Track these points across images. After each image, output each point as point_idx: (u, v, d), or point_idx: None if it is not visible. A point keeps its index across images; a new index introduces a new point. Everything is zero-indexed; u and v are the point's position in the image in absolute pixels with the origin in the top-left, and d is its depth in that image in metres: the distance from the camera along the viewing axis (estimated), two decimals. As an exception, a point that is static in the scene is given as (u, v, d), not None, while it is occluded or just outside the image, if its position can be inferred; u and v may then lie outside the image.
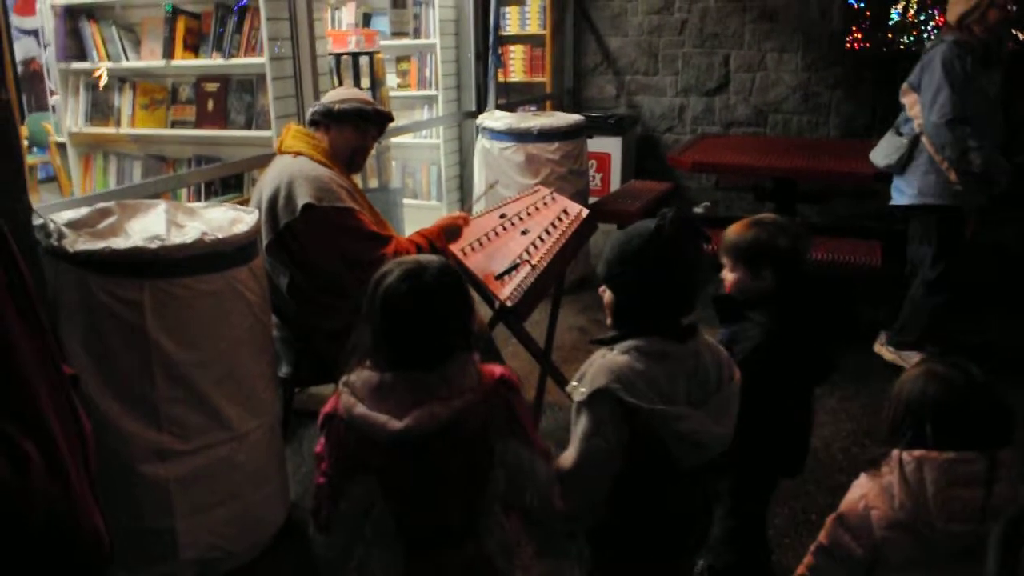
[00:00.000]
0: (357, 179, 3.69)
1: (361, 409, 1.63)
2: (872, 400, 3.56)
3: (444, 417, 1.61)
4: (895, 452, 1.59)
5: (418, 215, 5.49)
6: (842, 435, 3.32)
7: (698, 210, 6.32)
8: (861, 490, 1.64)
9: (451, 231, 2.91)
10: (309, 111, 2.86)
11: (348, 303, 2.65)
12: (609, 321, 1.81)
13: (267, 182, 2.73)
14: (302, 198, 2.59)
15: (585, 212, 3.02)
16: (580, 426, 1.72)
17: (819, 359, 2.19)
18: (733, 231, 2.19)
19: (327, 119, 2.79)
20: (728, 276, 2.20)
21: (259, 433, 2.50)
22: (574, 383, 1.74)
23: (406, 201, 5.51)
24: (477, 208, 3.45)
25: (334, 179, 2.68)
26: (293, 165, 2.69)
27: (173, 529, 2.34)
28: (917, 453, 1.56)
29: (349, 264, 2.64)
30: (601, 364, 1.71)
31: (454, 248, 3.04)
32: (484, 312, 3.14)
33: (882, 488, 1.60)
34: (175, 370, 2.27)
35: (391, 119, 2.91)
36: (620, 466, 1.72)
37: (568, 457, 1.74)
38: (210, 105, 4.12)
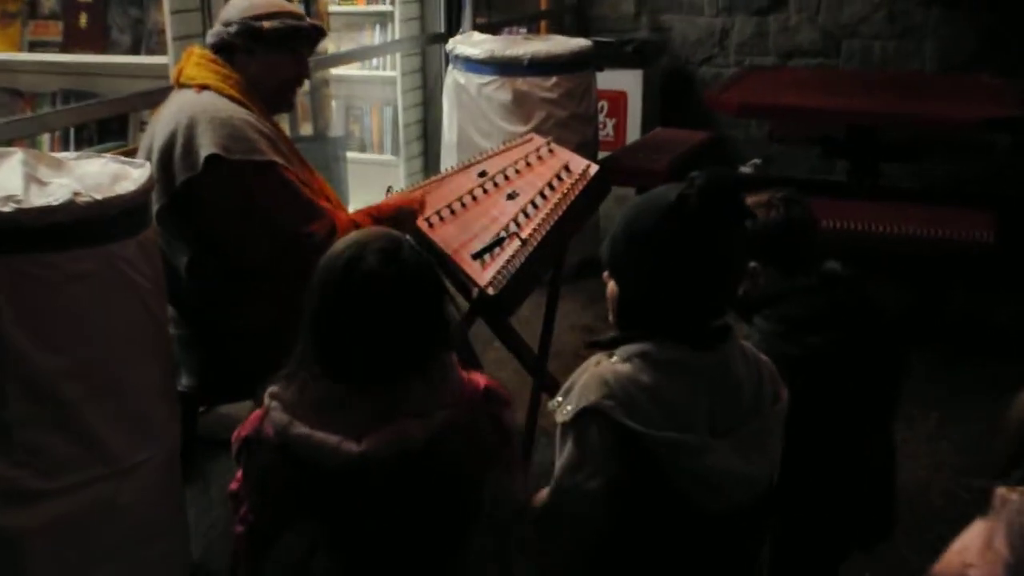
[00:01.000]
0: (283, 123, 3.71)
1: (301, 429, 1.64)
2: (985, 424, 3.58)
3: (418, 438, 1.62)
4: (999, 491, 1.60)
5: (367, 174, 5.49)
6: (943, 472, 3.34)
7: (745, 170, 6.35)
8: (962, 542, 1.65)
9: (404, 215, 2.91)
10: (213, 30, 2.86)
11: (271, 291, 2.65)
12: (612, 318, 1.83)
13: (160, 125, 2.73)
14: (206, 147, 2.60)
15: (594, 168, 3.03)
16: (564, 454, 1.73)
17: (872, 380, 2.21)
18: None
19: (251, 42, 2.78)
20: None
21: (150, 468, 2.48)
22: (558, 398, 1.76)
23: (351, 155, 5.52)
24: (448, 164, 3.44)
25: (251, 122, 2.68)
26: (195, 102, 2.70)
27: (29, 600, 2.33)
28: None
29: (270, 239, 2.64)
30: (594, 374, 1.72)
31: (419, 219, 3.05)
32: (457, 304, 3.14)
33: (984, 539, 1.61)
34: (34, 380, 2.25)
35: (324, 33, 2.95)
36: (612, 511, 1.72)
37: (542, 496, 1.76)
38: (83, 20, 4.10)
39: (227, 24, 2.82)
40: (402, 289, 1.67)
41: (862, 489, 2.26)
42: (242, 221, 2.65)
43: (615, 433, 1.66)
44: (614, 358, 1.74)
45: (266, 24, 2.77)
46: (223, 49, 2.82)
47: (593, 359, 1.77)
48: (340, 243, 1.74)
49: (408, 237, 1.82)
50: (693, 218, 1.68)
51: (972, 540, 1.63)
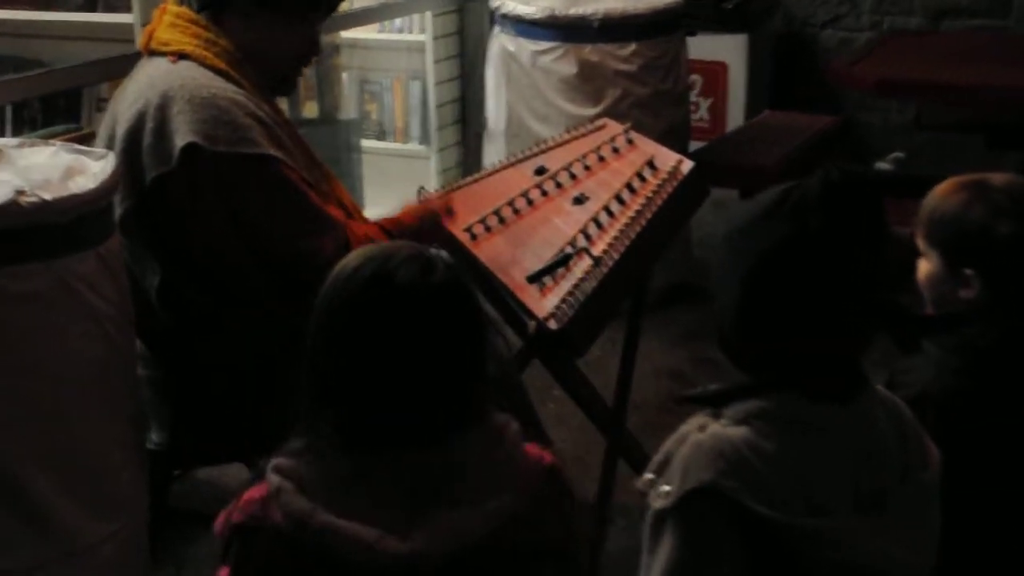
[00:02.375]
0: (282, 104, 3.73)
1: (327, 517, 1.63)
2: None
3: (477, 534, 1.62)
4: None
5: (388, 169, 5.54)
6: None
7: (883, 165, 6.33)
8: None
9: (427, 227, 2.93)
10: None
11: (265, 323, 2.68)
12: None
13: (125, 104, 2.75)
14: (182, 134, 2.60)
15: (687, 165, 3.04)
16: (662, 552, 1.72)
17: None
18: (935, 194, 2.25)
19: (250, 3, 2.78)
20: (922, 266, 2.26)
21: (111, 548, 2.51)
22: (649, 475, 1.75)
23: (367, 144, 5.56)
24: (494, 157, 3.44)
25: (241, 102, 2.68)
26: (170, 75, 2.71)
27: None
28: None
29: (262, 256, 2.66)
30: (700, 444, 1.71)
31: (454, 226, 3.07)
32: (509, 339, 3.16)
33: None
34: (-36, 436, 2.29)
35: None
36: None
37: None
38: (23, -32, 4.16)
39: None
40: (443, 309, 1.69)
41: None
42: (227, 232, 2.65)
43: (737, 521, 1.66)
44: (723, 419, 1.74)
45: None
46: (211, 6, 2.82)
47: (694, 421, 1.76)
48: (352, 258, 1.75)
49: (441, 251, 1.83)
50: (820, 232, 1.68)
51: None
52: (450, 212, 3.03)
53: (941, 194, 2.23)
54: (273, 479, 1.68)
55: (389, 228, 2.81)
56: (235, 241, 2.67)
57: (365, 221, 2.92)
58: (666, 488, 1.69)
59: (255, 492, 1.70)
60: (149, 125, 2.64)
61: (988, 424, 2.07)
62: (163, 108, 2.64)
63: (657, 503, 1.70)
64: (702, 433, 1.72)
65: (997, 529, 2.09)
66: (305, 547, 1.63)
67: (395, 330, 1.67)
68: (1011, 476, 2.13)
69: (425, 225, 2.90)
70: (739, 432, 1.70)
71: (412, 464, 1.65)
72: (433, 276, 1.69)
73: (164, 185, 2.63)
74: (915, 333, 2.21)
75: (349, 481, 1.65)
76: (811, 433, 1.71)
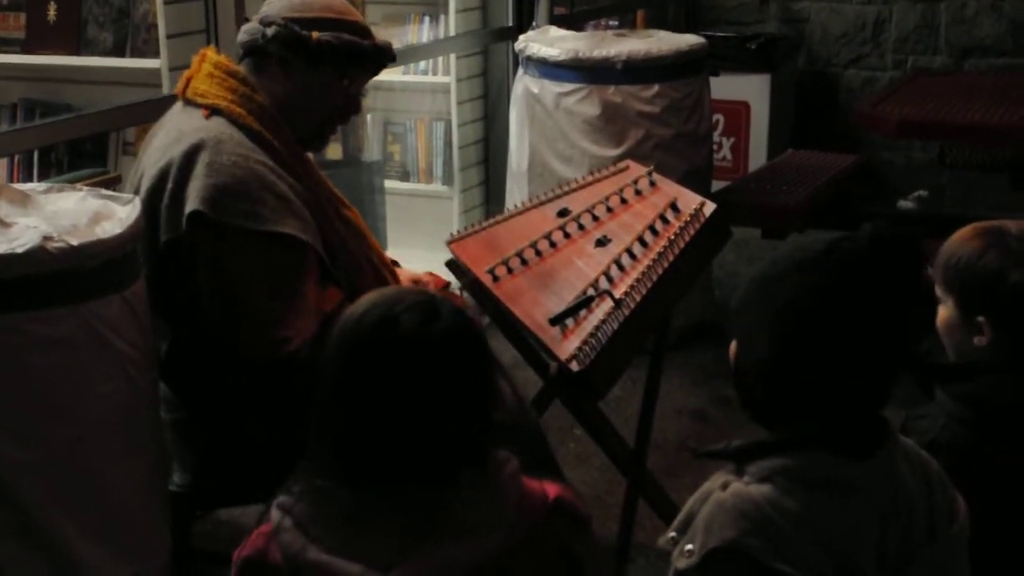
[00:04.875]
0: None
1: (316, 555, 1.66)
2: None
3: (464, 569, 1.63)
4: None
5: (411, 209, 5.55)
6: None
7: (906, 204, 6.32)
8: None
9: None
10: (247, 27, 2.85)
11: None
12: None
13: (152, 157, 2.74)
14: (192, 200, 2.59)
15: (710, 207, 3.04)
16: None
17: None
18: (953, 240, 2.25)
19: (290, 52, 2.76)
20: (940, 313, 2.26)
21: (134, 589, 2.52)
22: (672, 533, 1.75)
23: (390, 184, 5.58)
24: (517, 198, 3.45)
25: (258, 171, 2.66)
26: (200, 132, 2.69)
27: None
28: None
29: (254, 343, 2.64)
30: (723, 503, 1.70)
31: (476, 267, 3.08)
32: (530, 380, 3.16)
33: None
34: (-9, 476, 2.30)
35: (395, 58, 2.94)
36: None
37: None
38: (51, 12, 4.18)
39: (265, 23, 2.78)
40: (446, 356, 1.70)
41: None
42: (218, 307, 2.64)
43: None
44: (746, 477, 1.72)
45: (315, 34, 2.73)
46: (253, 54, 2.83)
47: (716, 479, 1.75)
48: (360, 304, 1.76)
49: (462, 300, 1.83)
50: (849, 270, 1.69)
51: None
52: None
53: (958, 240, 2.23)
54: (275, 515, 1.71)
55: None
56: (226, 317, 2.66)
57: (383, 282, 2.90)
58: (689, 547, 1.69)
59: (262, 529, 1.73)
60: (169, 187, 2.64)
61: (994, 477, 2.06)
62: (184, 170, 2.63)
63: (680, 563, 1.70)
64: (724, 492, 1.71)
65: None
66: None
67: (398, 376, 1.69)
68: (1015, 531, 2.12)
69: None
70: (762, 490, 1.69)
71: (406, 502, 1.67)
72: (437, 323, 1.70)
73: (175, 250, 2.64)
74: (930, 380, 2.20)
75: (345, 518, 1.68)
76: (836, 491, 1.70)
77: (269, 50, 2.77)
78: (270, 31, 2.75)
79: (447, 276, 3.20)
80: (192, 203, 2.58)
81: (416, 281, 3.04)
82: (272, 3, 2.84)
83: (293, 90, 2.81)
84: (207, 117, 2.73)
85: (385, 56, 2.88)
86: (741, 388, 1.82)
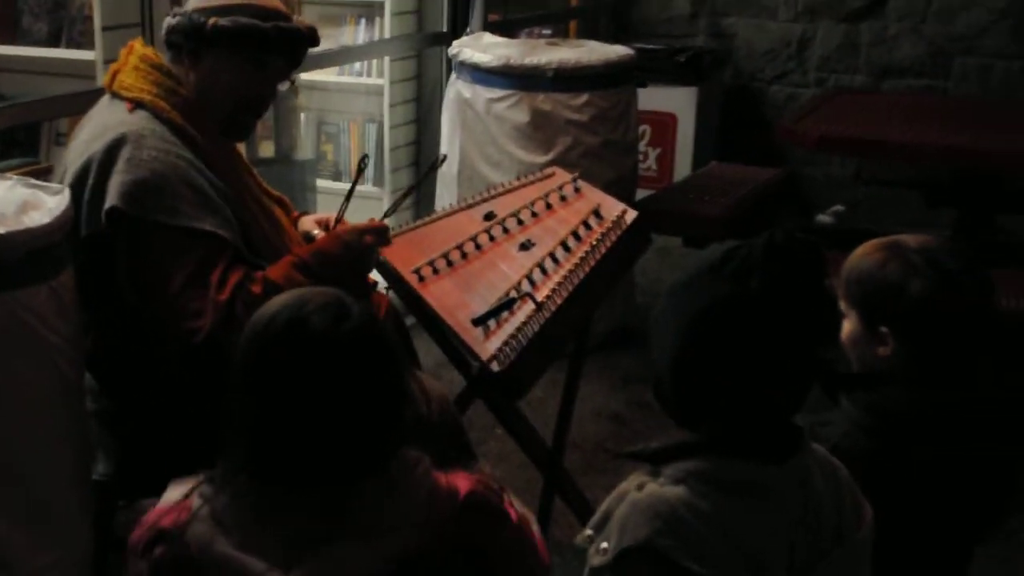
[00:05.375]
0: (240, 145, 3.70)
1: (223, 548, 1.67)
2: None
3: (366, 570, 1.64)
4: None
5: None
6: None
7: (824, 218, 6.39)
8: None
9: (354, 247, 2.82)
10: (165, 23, 2.83)
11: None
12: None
13: (75, 152, 2.73)
14: (112, 195, 2.58)
15: (631, 215, 3.07)
16: None
17: (967, 492, 2.23)
18: (855, 256, 2.29)
19: (193, 41, 2.75)
20: (844, 326, 2.29)
21: (56, 575, 2.50)
22: (588, 531, 1.76)
23: (322, 184, 5.57)
24: (446, 201, 3.45)
25: (179, 166, 2.65)
26: (121, 126, 2.68)
27: None
28: None
29: (162, 328, 2.63)
30: (637, 502, 1.72)
31: (403, 267, 3.09)
32: (455, 380, 3.18)
33: None
34: (-90, 462, 2.29)
35: (315, 40, 2.89)
36: None
37: None
38: (-11, 4, 4.15)
39: (173, 15, 2.79)
40: (354, 357, 1.70)
41: None
42: (143, 303, 2.63)
43: None
44: (661, 478, 1.74)
45: (211, 20, 2.71)
46: (170, 47, 2.80)
47: (632, 480, 1.76)
48: (271, 305, 1.77)
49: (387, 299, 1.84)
50: (752, 277, 1.70)
51: None
52: (383, 239, 2.92)
53: (860, 255, 2.27)
54: (195, 502, 1.72)
55: (313, 264, 2.69)
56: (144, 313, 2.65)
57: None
58: (604, 545, 1.70)
59: (186, 503, 1.74)
60: (90, 182, 2.62)
61: (893, 484, 2.09)
62: (104, 165, 2.61)
63: (595, 560, 1.71)
64: (640, 492, 1.72)
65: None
66: (206, 572, 1.67)
67: (306, 376, 1.69)
68: (911, 536, 2.15)
69: (353, 250, 2.79)
70: (676, 492, 1.70)
71: (311, 501, 1.67)
72: (345, 324, 1.71)
73: (95, 244, 2.62)
74: (836, 388, 2.24)
75: (254, 513, 1.69)
76: (748, 494, 1.72)
77: (174, 40, 2.76)
78: (180, 19, 2.74)
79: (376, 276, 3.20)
80: (111, 199, 2.56)
81: (319, 222, 3.07)
82: None
83: (202, 79, 2.78)
84: (131, 111, 2.71)
85: (294, 37, 2.79)
86: (658, 393, 1.84)
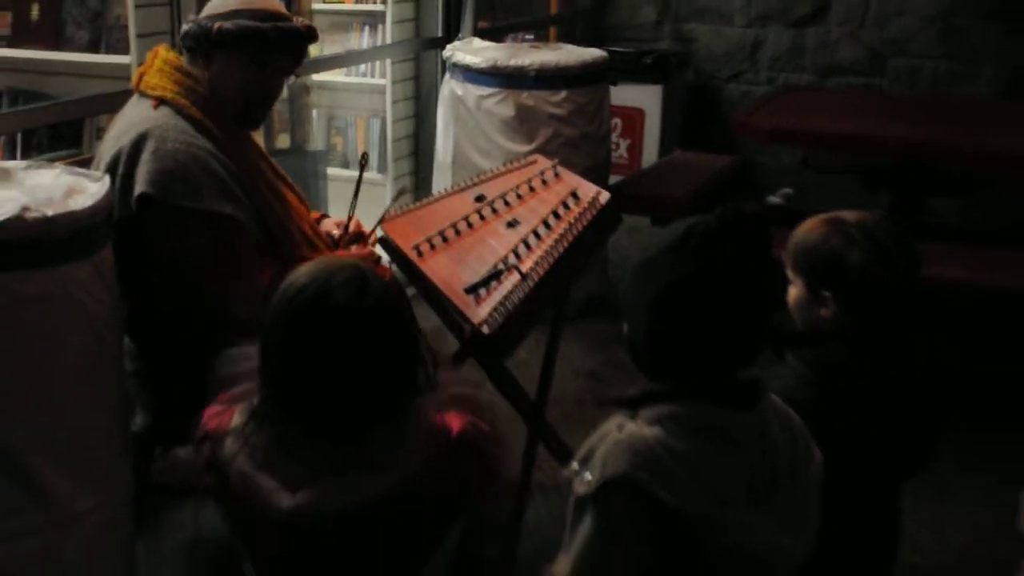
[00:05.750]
0: (259, 138, 3.70)
1: (244, 466, 1.70)
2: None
3: (358, 501, 1.66)
4: None
5: (350, 194, 5.50)
6: (982, 553, 3.38)
7: (775, 200, 6.38)
8: None
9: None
10: (182, 30, 2.85)
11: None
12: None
13: (107, 144, 2.74)
14: (140, 183, 2.60)
15: (605, 196, 3.07)
16: (582, 531, 1.74)
17: (897, 437, 2.25)
18: (800, 230, 2.31)
19: (203, 45, 2.77)
20: (791, 291, 2.30)
21: (99, 516, 2.50)
22: (575, 466, 1.77)
23: (332, 171, 5.56)
24: (441, 185, 3.46)
25: (199, 156, 2.66)
26: (147, 122, 2.70)
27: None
28: None
29: (202, 309, 2.66)
30: (618, 440, 1.74)
31: (404, 243, 3.09)
32: (448, 343, 3.17)
33: None
34: (-30, 416, 2.28)
35: (313, 37, 2.88)
36: None
37: (561, 572, 1.77)
38: (35, 12, 4.13)
39: (187, 23, 2.82)
40: (374, 328, 1.71)
41: (869, 547, 2.29)
42: (167, 279, 2.66)
43: (647, 508, 1.68)
44: (639, 420, 1.75)
45: (219, 24, 2.72)
46: (188, 51, 2.82)
47: (613, 421, 1.78)
48: (300, 274, 1.76)
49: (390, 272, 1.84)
50: (717, 256, 1.71)
51: None
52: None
53: (805, 229, 2.28)
54: (236, 418, 1.75)
55: None
56: (176, 290, 2.68)
57: (313, 248, 2.92)
58: (588, 477, 1.72)
59: (229, 413, 1.80)
60: (120, 171, 2.64)
61: (832, 430, 2.09)
62: (133, 156, 2.63)
63: (580, 489, 1.73)
64: (620, 432, 1.74)
65: (841, 522, 2.12)
66: (230, 482, 1.71)
67: (329, 345, 1.70)
68: (848, 474, 2.15)
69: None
70: (652, 432, 1.72)
71: (329, 440, 1.69)
72: (367, 298, 1.70)
73: (126, 227, 2.63)
74: (783, 346, 2.25)
75: (275, 443, 1.71)
76: (715, 436, 1.73)
77: (189, 45, 2.78)
78: (192, 26, 2.77)
79: (380, 252, 3.20)
80: (140, 186, 2.58)
81: (337, 224, 3.12)
82: (210, 3, 2.85)
83: (214, 77, 2.79)
84: (155, 107, 2.73)
85: (292, 36, 2.79)
86: (633, 354, 1.85)
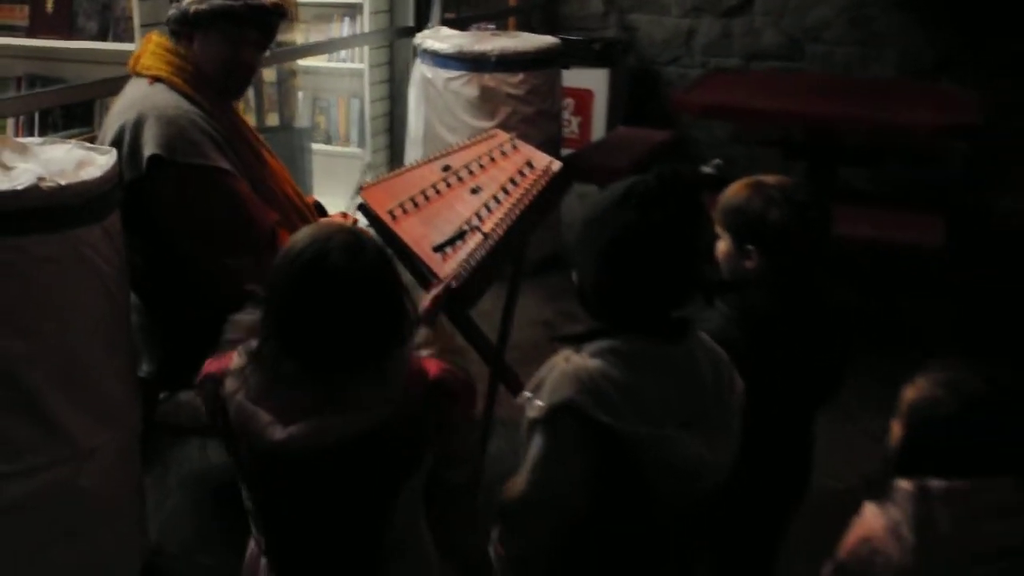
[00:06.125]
0: (250, 115, 3.67)
1: (243, 399, 1.70)
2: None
3: (343, 434, 1.66)
4: (903, 484, 1.68)
5: (332, 166, 5.49)
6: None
7: (707, 169, 6.41)
8: (864, 530, 1.73)
9: None
10: (167, 16, 2.84)
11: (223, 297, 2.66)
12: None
13: (111, 119, 2.73)
14: (149, 146, 2.59)
15: (556, 165, 3.06)
16: (534, 450, 1.76)
17: (810, 371, 2.28)
18: (727, 192, 2.32)
19: (184, 26, 2.77)
20: (719, 246, 2.31)
21: (110, 451, 2.51)
22: (528, 393, 1.79)
23: (316, 147, 5.52)
24: (413, 157, 3.45)
25: (197, 121, 2.67)
26: (145, 97, 2.69)
27: (-10, 578, 2.35)
28: (932, 484, 1.66)
29: (219, 252, 2.64)
30: (565, 371, 1.75)
31: (379, 208, 3.07)
32: (419, 297, 3.18)
33: (889, 527, 1.69)
34: (-4, 363, 2.27)
35: (281, 13, 2.86)
36: (587, 501, 1.77)
37: (516, 488, 1.79)
38: (49, 5, 4.09)
39: (172, 9, 2.81)
40: (364, 286, 1.69)
41: (786, 467, 2.34)
42: (185, 229, 2.64)
43: (589, 428, 1.70)
44: (583, 353, 1.76)
45: (194, 7, 2.74)
46: (174, 35, 2.81)
47: (561, 355, 1.79)
48: (301, 237, 1.75)
49: (372, 231, 1.84)
50: (650, 209, 1.71)
51: (874, 528, 1.71)
52: None
53: (732, 191, 2.29)
54: (236, 359, 1.74)
55: None
56: (188, 236, 2.67)
57: (304, 221, 2.90)
58: (539, 403, 1.74)
59: (228, 356, 1.78)
60: (127, 139, 2.64)
61: (755, 364, 2.11)
62: (137, 126, 2.63)
63: (531, 413, 1.75)
64: (567, 364, 1.75)
65: (764, 445, 2.16)
66: (230, 416, 1.71)
67: (325, 302, 1.68)
68: (768, 401, 2.17)
69: None
70: (594, 363, 1.73)
71: (318, 381, 1.69)
72: (360, 260, 1.69)
73: (137, 187, 2.62)
74: (712, 293, 2.26)
75: (270, 381, 1.70)
76: (647, 365, 1.75)
77: (173, 28, 2.79)
78: (171, 13, 2.79)
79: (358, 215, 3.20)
80: (150, 148, 2.58)
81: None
82: None
83: (197, 55, 2.79)
84: (151, 84, 2.74)
85: (262, 11, 2.79)
86: (582, 300, 1.85)
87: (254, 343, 1.76)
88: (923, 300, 4.60)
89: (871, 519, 1.73)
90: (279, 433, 1.65)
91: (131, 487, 2.66)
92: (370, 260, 1.70)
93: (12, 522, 2.36)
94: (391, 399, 1.70)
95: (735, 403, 1.85)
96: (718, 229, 2.30)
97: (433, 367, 1.80)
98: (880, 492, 1.74)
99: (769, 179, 2.28)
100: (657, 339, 1.77)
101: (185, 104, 2.69)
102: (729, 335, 2.10)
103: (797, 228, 2.20)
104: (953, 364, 1.75)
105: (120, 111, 2.70)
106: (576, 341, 1.80)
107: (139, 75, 2.78)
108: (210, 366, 1.81)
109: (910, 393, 1.77)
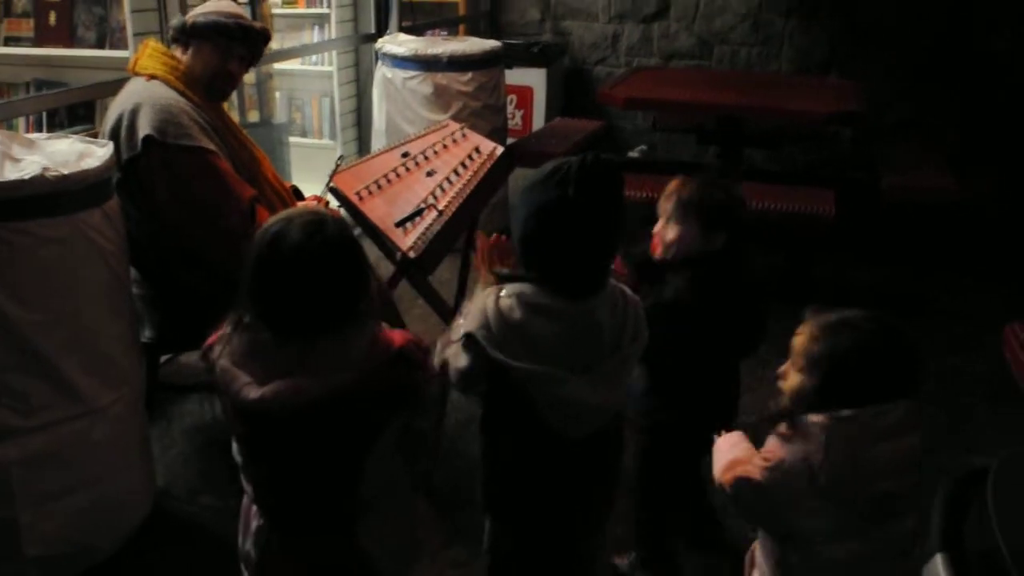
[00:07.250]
0: (235, 113, 3.63)
1: (225, 362, 1.68)
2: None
3: (312, 395, 1.63)
4: (814, 418, 1.69)
5: (308, 156, 5.44)
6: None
7: (633, 154, 6.41)
8: (774, 456, 1.74)
9: None
10: (170, 25, 2.87)
11: (210, 263, 2.65)
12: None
13: (112, 110, 2.73)
14: (144, 128, 2.59)
15: (500, 150, 3.06)
16: (459, 363, 1.81)
17: (742, 327, 2.31)
18: (679, 187, 2.30)
19: (183, 36, 2.80)
20: (668, 233, 2.29)
21: (118, 407, 2.49)
22: (461, 319, 1.83)
23: (293, 140, 5.47)
24: (378, 147, 3.43)
25: (186, 110, 2.66)
26: (142, 90, 2.70)
27: (15, 521, 2.32)
28: (843, 414, 1.67)
29: (204, 221, 2.61)
30: (479, 306, 1.79)
31: (347, 190, 3.05)
32: (386, 269, 3.16)
33: (799, 456, 1.70)
34: (14, 332, 2.24)
35: (266, 38, 2.89)
36: (502, 433, 1.85)
37: (448, 358, 1.84)
38: (52, 18, 4.02)
39: (176, 21, 2.84)
40: (322, 260, 1.66)
41: (715, 405, 2.36)
42: (174, 201, 2.60)
43: (485, 358, 1.75)
44: (503, 292, 1.79)
45: (193, 20, 2.78)
46: (174, 42, 2.83)
47: (489, 289, 1.82)
48: (273, 218, 1.73)
49: (339, 213, 1.81)
50: (568, 184, 1.70)
51: (783, 457, 1.73)
52: None
53: (680, 186, 2.30)
54: (223, 331, 1.73)
55: None
56: (182, 208, 2.62)
57: (283, 202, 2.89)
58: (461, 330, 1.79)
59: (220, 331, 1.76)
60: (125, 123, 2.64)
61: (704, 321, 2.20)
62: (134, 113, 2.63)
63: (454, 335, 1.82)
64: (486, 300, 1.79)
65: (703, 385, 2.26)
66: (216, 376, 1.70)
67: (284, 275, 1.65)
68: (711, 353, 2.29)
69: None
70: (505, 303, 1.77)
71: (289, 346, 1.67)
72: (317, 237, 1.64)
73: (133, 166, 2.62)
74: (659, 270, 2.28)
75: (248, 347, 1.69)
76: (543, 314, 1.76)
77: (178, 37, 2.81)
78: (176, 22, 2.83)
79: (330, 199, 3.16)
80: (144, 129, 2.59)
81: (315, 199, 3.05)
82: (194, 9, 2.90)
83: (191, 61, 2.80)
84: (148, 80, 2.73)
85: (250, 32, 2.82)
86: (516, 252, 1.86)
87: (234, 319, 1.74)
88: (817, 262, 4.65)
89: (776, 449, 1.75)
90: (254, 393, 1.63)
91: (139, 439, 2.64)
92: (328, 237, 1.66)
93: (34, 470, 2.34)
94: (357, 364, 1.67)
95: (632, 352, 1.85)
96: (674, 217, 2.29)
97: (398, 338, 1.78)
98: (777, 425, 1.76)
99: (692, 177, 2.32)
100: (563, 295, 1.77)
101: (177, 97, 2.69)
102: (682, 297, 2.18)
103: (738, 205, 2.29)
104: (833, 311, 1.77)
105: (120, 102, 2.70)
106: (500, 281, 1.83)
107: (137, 74, 2.77)
108: (213, 336, 1.79)
109: (800, 339, 1.77)
